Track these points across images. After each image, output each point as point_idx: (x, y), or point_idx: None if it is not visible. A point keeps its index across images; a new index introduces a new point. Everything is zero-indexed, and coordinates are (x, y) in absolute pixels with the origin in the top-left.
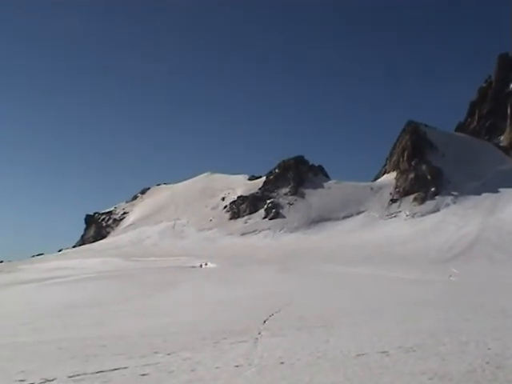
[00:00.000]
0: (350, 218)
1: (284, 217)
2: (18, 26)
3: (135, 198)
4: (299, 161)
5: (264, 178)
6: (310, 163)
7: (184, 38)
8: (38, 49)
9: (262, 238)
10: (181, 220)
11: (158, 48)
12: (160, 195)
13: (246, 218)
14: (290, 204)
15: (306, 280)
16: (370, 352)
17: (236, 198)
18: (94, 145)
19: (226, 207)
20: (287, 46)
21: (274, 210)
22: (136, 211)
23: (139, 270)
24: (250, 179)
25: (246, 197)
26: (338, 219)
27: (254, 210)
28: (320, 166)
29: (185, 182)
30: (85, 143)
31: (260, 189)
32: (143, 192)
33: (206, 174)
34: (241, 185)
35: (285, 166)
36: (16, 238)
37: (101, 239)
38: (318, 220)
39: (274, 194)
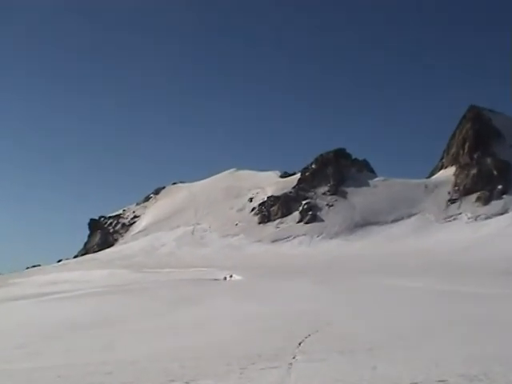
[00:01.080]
0: (401, 222)
1: (322, 220)
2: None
3: (148, 199)
4: (340, 154)
5: (298, 175)
6: (353, 157)
7: (212, 34)
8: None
9: (297, 245)
10: (201, 224)
11: (174, 41)
12: (177, 196)
13: (277, 221)
14: (330, 205)
15: (349, 295)
16: (426, 381)
17: (266, 198)
18: (97, 138)
19: (254, 209)
20: (316, 32)
21: (310, 213)
22: (149, 214)
23: (152, 283)
24: (282, 176)
25: (277, 197)
26: (385, 223)
27: (286, 212)
28: (364, 161)
29: (206, 181)
30: (86, 136)
31: (294, 187)
32: (157, 192)
33: (230, 170)
34: (271, 183)
35: (323, 161)
36: (8, 246)
37: (107, 248)
38: (362, 224)
39: (310, 194)
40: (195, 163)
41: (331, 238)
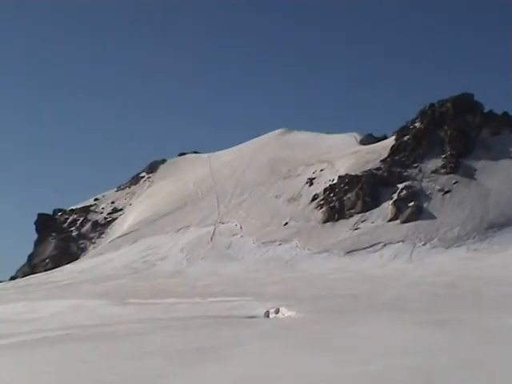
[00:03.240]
0: None
1: (432, 217)
2: None
3: (136, 180)
4: (464, 104)
5: (392, 140)
6: (486, 109)
7: None
8: None
9: (389, 258)
10: (227, 223)
11: None
12: (186, 175)
13: (355, 219)
14: (445, 191)
15: (486, 345)
16: None
17: (336, 179)
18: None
19: (315, 199)
20: None
21: (411, 204)
22: (138, 207)
23: (145, 324)
24: (363, 142)
25: (355, 177)
26: None
27: (371, 203)
28: (506, 116)
29: (235, 150)
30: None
31: (384, 161)
32: (152, 169)
33: (277, 132)
34: (345, 154)
35: (434, 116)
36: None
37: (68, 263)
38: (501, 223)
39: (411, 172)
40: (217, 121)
41: (448, 247)
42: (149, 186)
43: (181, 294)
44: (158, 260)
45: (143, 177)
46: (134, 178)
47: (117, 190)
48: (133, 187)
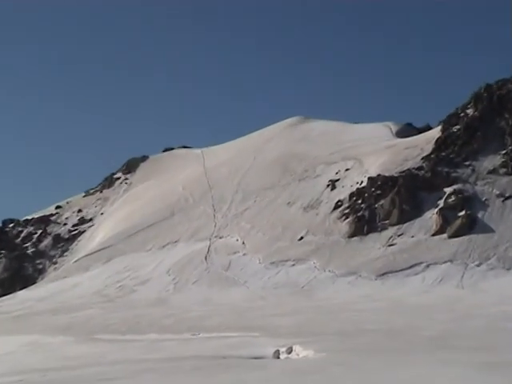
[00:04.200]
0: None
1: (490, 230)
2: None
3: (110, 182)
4: None
5: (437, 132)
6: None
7: None
8: None
9: (434, 282)
10: (227, 237)
11: None
12: (174, 176)
13: (390, 232)
14: (506, 197)
15: None
16: None
17: (365, 181)
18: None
19: (338, 206)
20: None
21: (462, 213)
22: (112, 216)
23: (120, 366)
24: (400, 134)
25: (389, 179)
26: None
27: (411, 211)
28: None
29: (238, 143)
30: None
31: (427, 158)
32: (130, 168)
33: (290, 120)
34: (377, 149)
35: (491, 101)
36: None
37: (22, 288)
38: None
39: (462, 173)
40: (212, 108)
41: (509, 269)
42: (126, 189)
43: (166, 328)
44: (137, 285)
45: (118, 178)
46: (106, 179)
47: (85, 195)
48: (105, 191)
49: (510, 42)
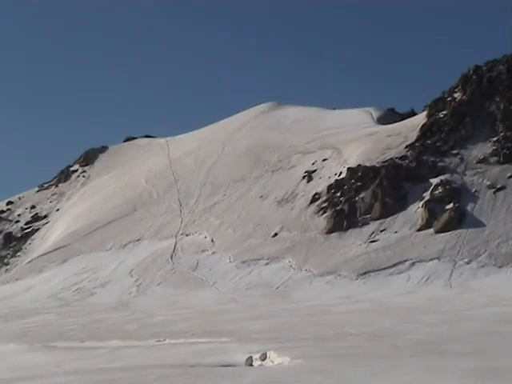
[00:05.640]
0: None
1: (480, 224)
2: None
3: (66, 175)
4: None
5: (422, 117)
6: None
7: None
8: None
9: (421, 282)
10: (193, 235)
11: None
12: (135, 168)
13: (371, 227)
14: (497, 188)
15: None
16: None
17: (345, 171)
18: None
19: (316, 199)
20: None
21: (450, 206)
22: (68, 213)
23: (78, 376)
24: (382, 120)
25: (370, 169)
26: None
27: (394, 205)
28: None
29: (205, 131)
30: None
31: (411, 146)
32: (88, 159)
33: (262, 106)
34: (358, 136)
35: (480, 84)
36: None
37: None
38: None
39: (449, 162)
40: (177, 94)
41: (501, 266)
42: (83, 183)
43: (129, 334)
44: (96, 287)
45: (75, 171)
46: (62, 172)
47: (38, 190)
48: (61, 186)
49: (499, 23)
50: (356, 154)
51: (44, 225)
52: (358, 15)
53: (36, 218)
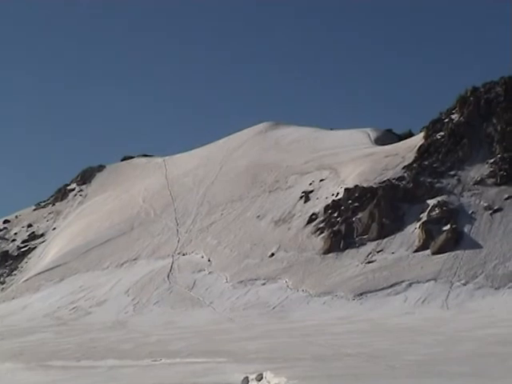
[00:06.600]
0: None
1: (477, 245)
2: None
3: (63, 194)
4: None
5: (419, 139)
6: None
7: None
8: None
9: (417, 303)
10: (190, 254)
11: None
12: (133, 187)
13: (368, 248)
14: (494, 210)
15: None
16: None
17: (342, 192)
18: None
19: (313, 219)
20: None
21: (447, 227)
22: (65, 231)
23: None
24: (380, 141)
25: (368, 190)
26: None
27: (392, 225)
28: None
29: (203, 151)
30: None
31: (409, 167)
32: (85, 178)
33: (260, 126)
34: (355, 157)
35: (477, 105)
36: None
37: None
38: None
39: (446, 183)
40: (176, 113)
41: (498, 288)
42: (80, 202)
43: (125, 353)
44: (93, 306)
45: (73, 190)
46: (59, 191)
47: (35, 209)
48: (58, 204)
49: (497, 44)
50: (353, 175)
51: (41, 243)
52: (356, 35)
53: (33, 236)
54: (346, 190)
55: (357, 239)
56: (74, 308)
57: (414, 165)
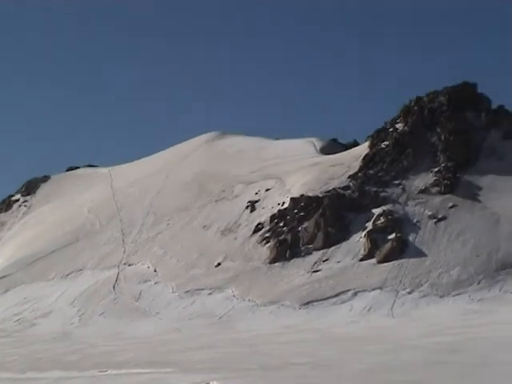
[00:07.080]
0: None
1: (422, 254)
2: None
3: (7, 205)
4: (464, 98)
5: (364, 148)
6: (493, 104)
7: None
8: None
9: (363, 311)
10: (136, 264)
11: None
12: (78, 198)
13: (314, 257)
14: (439, 218)
15: None
16: None
17: (287, 201)
18: None
19: (259, 229)
20: None
21: (392, 236)
22: (9, 242)
23: None
24: (325, 150)
25: (313, 199)
26: None
27: (337, 235)
28: None
29: (148, 161)
30: None
31: (354, 176)
32: (30, 189)
33: (206, 136)
34: (301, 166)
35: (421, 115)
36: None
37: None
38: None
39: (391, 192)
40: (120, 123)
41: (443, 296)
42: (25, 213)
43: (71, 364)
44: (37, 317)
45: (17, 200)
46: (3, 202)
47: None
48: (2, 215)
49: (442, 51)
50: (299, 184)
51: None
52: (301, 46)
53: None
54: (291, 199)
55: (303, 248)
56: (18, 319)
57: (360, 174)
